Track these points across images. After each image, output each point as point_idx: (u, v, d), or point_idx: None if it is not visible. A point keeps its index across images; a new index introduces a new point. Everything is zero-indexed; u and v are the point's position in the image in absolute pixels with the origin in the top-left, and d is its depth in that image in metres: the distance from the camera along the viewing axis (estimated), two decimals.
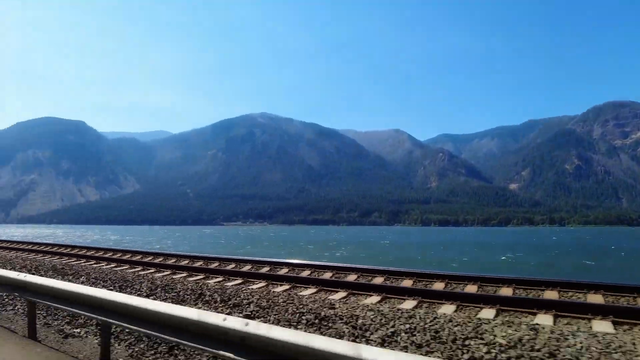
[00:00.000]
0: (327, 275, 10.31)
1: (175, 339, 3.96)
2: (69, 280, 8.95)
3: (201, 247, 53.73)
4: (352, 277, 9.96)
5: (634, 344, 4.31)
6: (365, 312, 5.79)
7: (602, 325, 5.74)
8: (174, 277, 10.45)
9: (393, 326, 5.16)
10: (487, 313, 6.59)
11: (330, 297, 7.99)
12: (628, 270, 28.50)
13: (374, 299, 7.84)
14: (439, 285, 8.81)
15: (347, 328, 5.19)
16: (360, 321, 5.35)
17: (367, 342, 4.71)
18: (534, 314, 6.50)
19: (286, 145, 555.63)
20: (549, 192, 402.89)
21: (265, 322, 4.89)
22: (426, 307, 7.24)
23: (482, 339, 4.55)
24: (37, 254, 16.55)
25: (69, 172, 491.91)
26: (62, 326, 6.35)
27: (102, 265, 12.86)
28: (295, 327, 5.33)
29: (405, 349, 4.55)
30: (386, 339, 4.81)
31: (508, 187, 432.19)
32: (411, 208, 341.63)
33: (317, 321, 5.53)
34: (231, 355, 3.45)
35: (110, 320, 4.70)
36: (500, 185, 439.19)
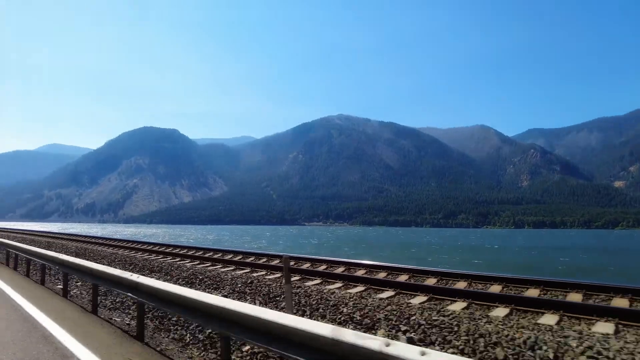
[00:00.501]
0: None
1: None
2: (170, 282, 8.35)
3: (299, 247, 53.45)
4: (496, 288, 8.03)
5: None
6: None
7: None
8: (268, 277, 9.64)
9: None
10: (603, 327, 5.33)
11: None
12: None
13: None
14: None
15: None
16: None
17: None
18: None
19: (364, 145, 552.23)
20: None
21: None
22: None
23: None
24: (142, 252, 16.41)
25: (165, 176, 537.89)
26: (172, 330, 6.12)
27: (209, 267, 11.91)
28: None
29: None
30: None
31: (612, 185, 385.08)
32: (501, 209, 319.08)
33: None
34: None
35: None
36: (603, 182, 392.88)
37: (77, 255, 13.05)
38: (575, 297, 7.11)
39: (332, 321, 5.82)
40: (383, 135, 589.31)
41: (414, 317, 5.48)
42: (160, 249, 17.37)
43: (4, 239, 14.44)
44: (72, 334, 5.38)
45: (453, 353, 4.41)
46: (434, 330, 5.04)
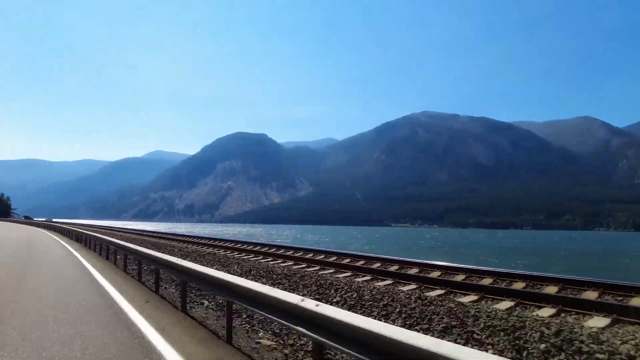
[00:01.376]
0: None
1: None
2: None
3: (418, 250, 51.43)
4: None
5: None
6: None
7: None
8: (376, 284, 8.49)
9: None
10: None
11: None
12: None
13: None
14: None
15: None
16: None
17: None
18: None
19: (452, 142, 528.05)
20: None
21: None
22: None
23: None
24: (240, 252, 16.08)
25: (256, 178, 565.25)
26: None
27: (304, 268, 10.94)
28: None
29: None
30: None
31: None
32: (614, 209, 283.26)
33: None
34: None
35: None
36: None
37: (193, 261, 12.29)
38: None
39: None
40: (473, 130, 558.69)
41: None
42: (262, 249, 16.90)
43: (124, 241, 14.07)
44: None
45: None
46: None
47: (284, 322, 4.18)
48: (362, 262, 12.38)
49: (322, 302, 5.17)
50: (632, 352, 4.02)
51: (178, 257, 8.80)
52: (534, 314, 5.97)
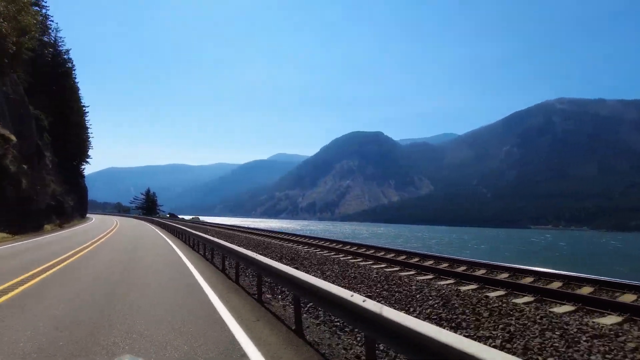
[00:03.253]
0: None
1: None
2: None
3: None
4: None
5: None
6: None
7: None
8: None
9: None
10: None
11: None
12: None
13: None
14: None
15: None
16: None
17: None
18: None
19: (599, 131, 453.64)
20: None
21: None
22: None
23: None
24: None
25: (373, 177, 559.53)
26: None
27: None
28: None
29: None
30: None
31: None
32: None
33: None
34: None
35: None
36: None
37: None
38: None
39: None
40: (626, 116, 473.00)
41: None
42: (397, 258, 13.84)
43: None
44: None
45: None
46: None
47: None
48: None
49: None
50: None
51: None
52: None
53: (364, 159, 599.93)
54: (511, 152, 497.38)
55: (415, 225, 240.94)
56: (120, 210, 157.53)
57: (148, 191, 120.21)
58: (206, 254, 14.99)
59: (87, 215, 78.91)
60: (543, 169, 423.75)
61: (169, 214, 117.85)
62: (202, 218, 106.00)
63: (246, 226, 49.97)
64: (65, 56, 57.93)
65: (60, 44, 56.86)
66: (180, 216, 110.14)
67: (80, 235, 26.18)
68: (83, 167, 79.13)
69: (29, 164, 28.69)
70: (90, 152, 75.24)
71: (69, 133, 56.64)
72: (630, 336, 4.51)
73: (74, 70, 61.11)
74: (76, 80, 62.68)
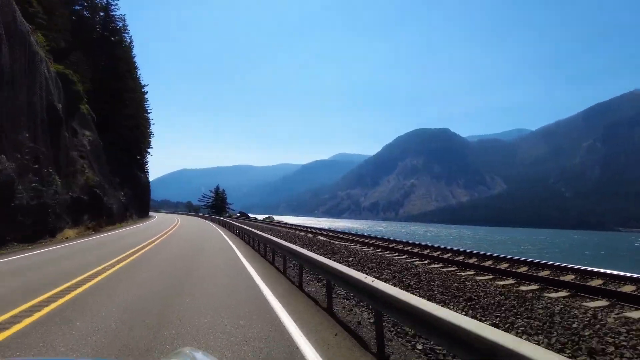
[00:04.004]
0: None
1: None
2: None
3: None
4: None
5: None
6: None
7: None
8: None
9: None
10: None
11: None
12: None
13: None
14: None
15: None
16: None
17: None
18: None
19: None
20: None
21: None
22: None
23: None
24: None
25: (440, 175, 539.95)
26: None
27: None
28: None
29: None
30: None
31: None
32: None
33: None
34: None
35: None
36: None
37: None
38: None
39: None
40: None
41: None
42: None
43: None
44: None
45: None
46: None
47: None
48: None
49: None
50: None
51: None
52: None
53: (429, 157, 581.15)
54: (594, 147, 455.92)
55: (490, 227, 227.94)
56: (190, 209, 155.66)
57: (217, 189, 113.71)
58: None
59: (151, 213, 72.74)
60: (634, 167, 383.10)
61: (239, 212, 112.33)
62: (275, 217, 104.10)
63: (316, 227, 48.39)
64: (118, 23, 47.67)
65: (113, 7, 46.65)
66: (251, 215, 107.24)
67: (95, 252, 14.76)
68: (146, 160, 68.21)
69: (32, 133, 17.69)
70: (152, 143, 67.44)
71: (121, 113, 45.16)
72: None
73: (132, 45, 51.96)
74: (134, 56, 53.11)
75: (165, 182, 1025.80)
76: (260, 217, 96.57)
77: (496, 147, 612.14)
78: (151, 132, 65.76)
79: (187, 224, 40.77)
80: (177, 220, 49.21)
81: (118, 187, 39.57)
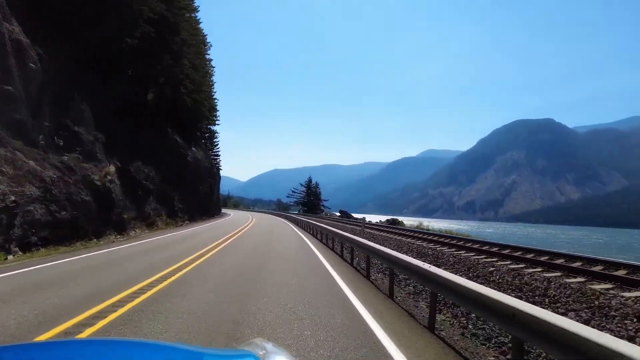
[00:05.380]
0: None
1: None
2: None
3: None
4: None
5: None
6: None
7: None
8: None
9: None
10: None
11: None
12: None
13: None
14: None
15: None
16: None
17: None
18: None
19: None
20: None
21: None
22: None
23: None
24: None
25: (546, 170, 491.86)
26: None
27: None
28: None
29: None
30: None
31: None
32: None
33: None
34: None
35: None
36: None
37: None
38: None
39: None
40: None
41: None
42: None
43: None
44: None
45: None
46: None
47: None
48: None
49: None
50: None
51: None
52: None
53: (532, 151, 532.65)
54: None
55: (613, 229, 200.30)
56: (279, 207, 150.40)
57: (309, 181, 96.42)
58: None
59: (223, 211, 67.56)
60: None
61: (340, 211, 77.45)
62: (367, 217, 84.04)
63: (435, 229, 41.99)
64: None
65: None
66: (360, 216, 65.95)
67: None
68: (217, 147, 57.80)
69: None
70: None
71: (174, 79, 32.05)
72: None
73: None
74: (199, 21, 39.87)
75: (259, 182, 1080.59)
76: (383, 218, 64.09)
77: (611, 137, 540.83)
78: (217, 109, 52.97)
79: (257, 228, 27.65)
80: (250, 217, 46.96)
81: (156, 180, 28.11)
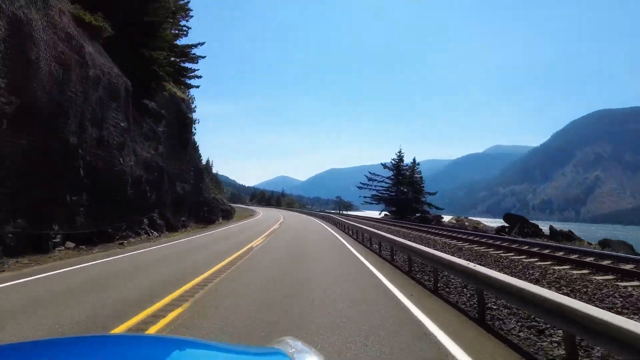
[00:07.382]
0: None
1: None
2: None
3: None
4: None
5: None
6: None
7: None
8: None
9: None
10: None
11: None
12: None
13: None
14: None
15: None
16: None
17: None
18: None
19: None
20: None
21: None
22: None
23: None
24: None
25: (636, 165, 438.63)
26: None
27: None
28: None
29: None
30: None
31: None
32: None
33: None
34: None
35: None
36: None
37: None
38: None
39: None
40: None
41: None
42: None
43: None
44: None
45: None
46: None
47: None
48: None
49: None
50: None
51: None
52: None
53: (619, 143, 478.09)
54: None
55: None
56: (340, 206, 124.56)
57: (400, 156, 64.26)
58: None
59: (253, 208, 60.84)
60: None
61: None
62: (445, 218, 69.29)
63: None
64: None
65: None
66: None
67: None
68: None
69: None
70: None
71: None
72: None
73: None
74: None
75: (317, 181, 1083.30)
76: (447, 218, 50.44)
77: None
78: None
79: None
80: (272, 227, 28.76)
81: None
